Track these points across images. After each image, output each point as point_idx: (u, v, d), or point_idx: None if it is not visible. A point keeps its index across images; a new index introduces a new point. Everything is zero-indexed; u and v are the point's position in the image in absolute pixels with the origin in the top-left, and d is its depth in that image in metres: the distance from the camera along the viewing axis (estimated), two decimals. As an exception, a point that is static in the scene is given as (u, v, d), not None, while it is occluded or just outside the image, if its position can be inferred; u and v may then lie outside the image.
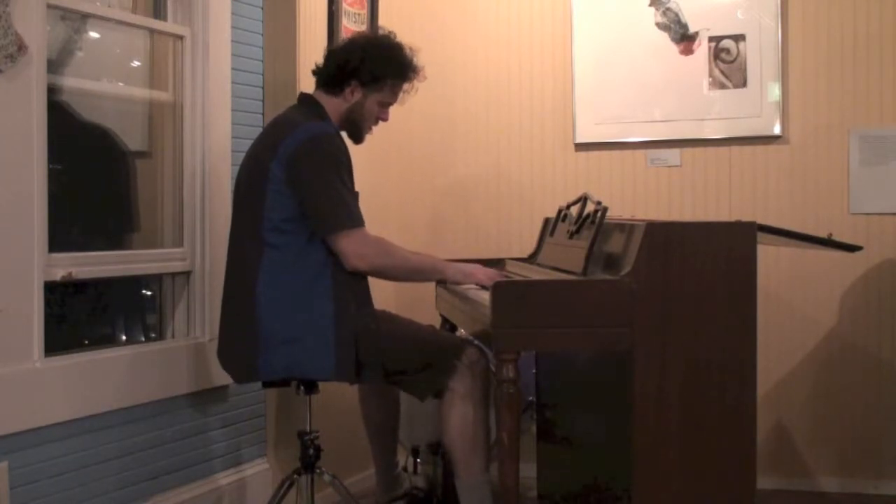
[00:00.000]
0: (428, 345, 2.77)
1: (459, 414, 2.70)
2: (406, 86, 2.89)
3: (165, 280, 3.14)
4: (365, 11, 3.79)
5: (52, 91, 2.75)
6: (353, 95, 2.83)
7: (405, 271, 2.84)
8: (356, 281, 2.74)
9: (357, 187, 2.82)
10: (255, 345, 2.65)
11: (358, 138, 2.91)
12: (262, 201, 2.66)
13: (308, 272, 2.67)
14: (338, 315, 2.66)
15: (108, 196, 3.13)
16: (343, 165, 2.71)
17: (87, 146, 3.03)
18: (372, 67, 2.80)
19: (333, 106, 2.85)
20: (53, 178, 2.68)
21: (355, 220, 2.67)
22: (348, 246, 2.65)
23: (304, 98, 2.91)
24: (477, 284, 2.84)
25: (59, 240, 2.65)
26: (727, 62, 3.87)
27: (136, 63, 3.18)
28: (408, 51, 2.87)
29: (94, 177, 3.06)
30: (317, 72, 2.89)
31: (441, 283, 3.27)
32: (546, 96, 4.07)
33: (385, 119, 2.92)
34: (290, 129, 2.71)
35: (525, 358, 3.02)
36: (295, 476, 2.82)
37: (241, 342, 2.69)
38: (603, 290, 2.42)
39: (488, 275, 2.83)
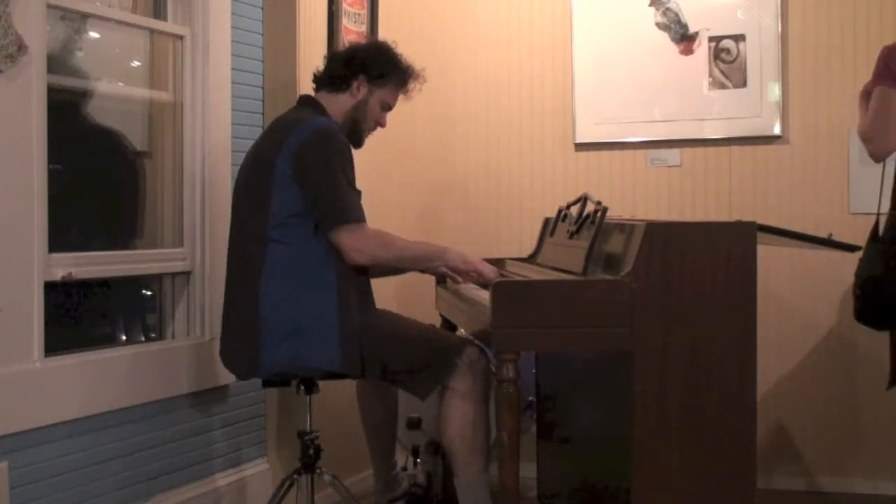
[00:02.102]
0: (428, 343, 2.77)
1: (459, 413, 2.70)
2: (408, 87, 2.94)
3: (165, 280, 3.14)
4: (365, 11, 3.79)
5: (63, 92, 2.76)
6: (360, 91, 2.87)
7: (405, 261, 2.88)
8: (359, 274, 2.76)
9: (357, 187, 2.83)
10: (258, 339, 2.65)
11: (357, 141, 2.92)
12: (268, 199, 2.67)
13: (312, 266, 2.68)
14: (342, 308, 2.67)
15: (116, 199, 3.14)
16: (347, 160, 2.73)
17: (98, 148, 3.04)
18: (378, 63, 2.88)
19: (337, 105, 2.87)
20: (61, 178, 2.70)
21: (356, 215, 2.69)
22: (348, 241, 2.66)
23: (305, 99, 2.94)
24: (476, 273, 2.84)
25: (59, 240, 2.65)
26: (727, 62, 3.87)
27: (136, 63, 3.18)
28: (406, 59, 2.94)
29: (100, 178, 3.06)
30: (319, 75, 2.92)
31: (441, 282, 3.28)
32: (546, 96, 4.07)
33: (383, 124, 2.96)
34: (295, 127, 2.72)
35: (525, 358, 3.02)
36: (295, 476, 2.82)
37: (243, 338, 2.70)
38: (603, 290, 2.42)
39: (489, 268, 2.84)
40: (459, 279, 3.06)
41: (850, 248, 2.94)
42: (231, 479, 3.22)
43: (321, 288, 2.67)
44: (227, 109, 3.22)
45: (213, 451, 3.17)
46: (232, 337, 2.76)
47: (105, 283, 3.00)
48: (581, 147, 4.03)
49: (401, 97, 2.98)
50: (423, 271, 3.12)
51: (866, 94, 2.96)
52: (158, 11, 3.13)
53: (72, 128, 2.88)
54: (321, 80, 2.92)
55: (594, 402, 3.00)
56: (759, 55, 3.82)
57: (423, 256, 2.89)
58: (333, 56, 2.99)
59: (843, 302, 3.73)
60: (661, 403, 2.44)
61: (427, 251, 2.91)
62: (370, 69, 2.86)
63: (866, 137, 2.90)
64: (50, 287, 2.61)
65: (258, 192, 2.70)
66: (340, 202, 2.66)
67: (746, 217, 3.10)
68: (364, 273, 2.80)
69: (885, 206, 2.95)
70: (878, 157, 2.89)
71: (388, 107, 2.95)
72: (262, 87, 3.40)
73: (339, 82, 2.88)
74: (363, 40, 3.67)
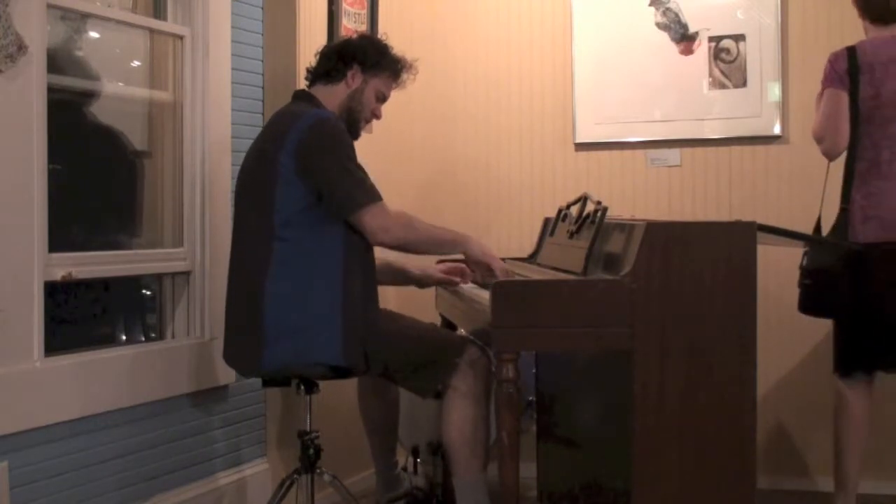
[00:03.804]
0: (430, 342, 2.78)
1: (460, 412, 2.70)
2: (401, 77, 2.96)
3: (165, 280, 3.14)
4: (365, 11, 3.79)
5: (60, 91, 2.76)
6: (354, 81, 2.88)
7: (428, 243, 2.84)
8: (364, 272, 2.76)
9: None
10: (261, 337, 2.65)
11: (355, 132, 2.92)
12: (273, 195, 2.67)
13: (317, 263, 2.67)
14: (346, 304, 2.67)
15: (116, 199, 3.14)
16: (349, 146, 2.73)
17: (98, 147, 3.04)
18: (371, 53, 2.89)
19: (333, 96, 2.87)
20: (61, 178, 2.70)
21: (374, 196, 2.69)
22: (372, 221, 2.66)
23: (300, 94, 2.94)
24: (489, 267, 2.83)
25: (59, 240, 2.65)
26: (727, 62, 3.87)
27: (136, 63, 3.18)
28: (397, 51, 2.96)
29: (101, 177, 3.06)
30: (313, 69, 2.93)
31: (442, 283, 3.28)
32: (546, 96, 4.07)
33: (378, 116, 2.96)
34: (294, 120, 2.72)
35: (525, 358, 3.02)
36: (295, 476, 2.82)
37: (246, 336, 2.69)
38: (603, 290, 2.42)
39: (503, 266, 2.84)
40: (457, 281, 3.06)
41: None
42: (231, 479, 3.22)
43: (326, 285, 2.67)
44: (227, 109, 3.22)
45: (213, 451, 3.17)
46: (235, 334, 2.75)
47: (105, 283, 3.00)
48: (581, 147, 4.03)
49: (395, 90, 2.99)
50: (420, 285, 3.13)
51: (819, 99, 3.11)
52: (158, 11, 3.13)
53: (72, 127, 2.88)
54: (315, 74, 2.92)
55: (594, 402, 3.00)
56: (759, 55, 3.82)
57: (445, 241, 2.87)
58: (326, 50, 2.99)
59: (843, 302, 3.73)
60: (661, 403, 2.44)
61: (449, 237, 2.88)
62: (364, 58, 2.87)
63: (819, 137, 3.08)
64: (50, 287, 2.61)
65: (262, 188, 2.70)
66: (355, 186, 2.67)
67: (746, 217, 3.10)
68: (369, 270, 2.80)
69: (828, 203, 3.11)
70: (832, 155, 3.08)
71: (383, 97, 2.96)
72: (262, 87, 3.39)
73: (333, 73, 2.88)
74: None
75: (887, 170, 2.97)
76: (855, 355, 3.08)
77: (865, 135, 2.98)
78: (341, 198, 2.66)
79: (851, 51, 3.01)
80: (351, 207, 2.66)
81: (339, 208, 2.67)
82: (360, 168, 2.73)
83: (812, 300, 3.08)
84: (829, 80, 3.03)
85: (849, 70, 2.98)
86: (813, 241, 2.99)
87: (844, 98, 2.99)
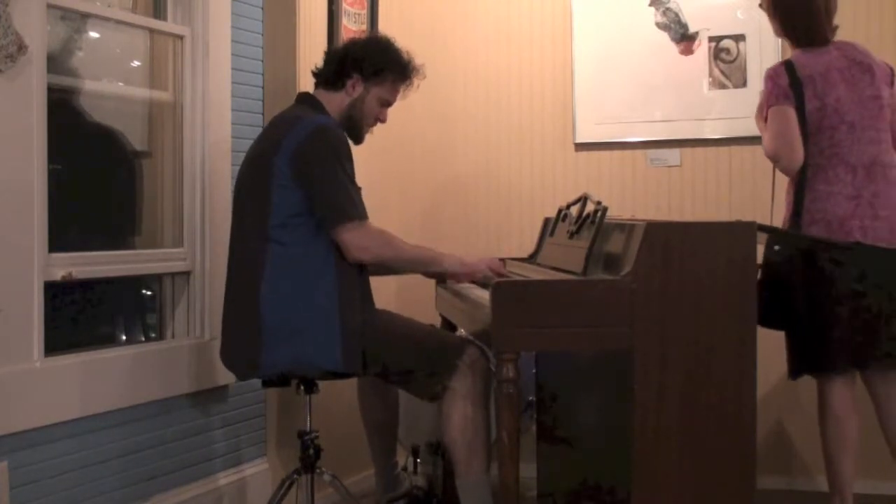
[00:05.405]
0: (429, 344, 2.77)
1: (460, 413, 2.70)
2: (406, 83, 2.93)
3: (165, 280, 3.14)
4: (365, 11, 3.79)
5: (60, 91, 2.76)
6: (355, 90, 2.86)
7: (406, 262, 2.88)
8: (360, 275, 2.76)
9: (357, 184, 2.83)
10: (259, 340, 2.65)
11: (357, 138, 2.92)
12: (269, 198, 2.67)
13: (313, 265, 2.68)
14: (343, 308, 2.67)
15: (116, 199, 3.14)
16: (346, 157, 2.73)
17: (96, 147, 3.04)
18: (373, 61, 2.86)
19: (334, 103, 2.87)
20: (61, 177, 2.70)
21: (358, 213, 2.69)
22: (351, 239, 2.67)
23: (303, 97, 2.94)
24: (477, 273, 2.84)
25: (59, 240, 2.65)
26: (727, 62, 3.87)
27: (136, 63, 3.18)
28: (406, 53, 2.93)
29: (100, 177, 3.07)
30: (317, 72, 2.92)
31: (441, 283, 3.28)
32: (546, 96, 4.07)
33: (383, 120, 2.96)
34: (294, 125, 2.72)
35: (525, 358, 3.02)
36: (295, 476, 2.83)
37: (244, 338, 2.70)
38: (603, 290, 2.42)
39: (489, 264, 2.84)
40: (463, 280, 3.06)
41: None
42: (231, 479, 3.22)
43: (322, 288, 2.67)
44: (227, 109, 3.22)
45: (213, 451, 3.17)
46: (232, 337, 2.76)
47: (105, 283, 3.00)
48: (581, 147, 4.03)
49: (401, 95, 2.97)
50: (423, 274, 3.12)
51: (763, 118, 3.08)
52: (158, 11, 3.13)
53: (71, 127, 2.88)
54: (319, 78, 2.92)
55: (594, 402, 3.00)
56: (759, 55, 3.82)
57: (421, 260, 2.89)
58: (331, 52, 3.00)
59: (843, 302, 3.72)
60: (661, 403, 2.44)
61: (427, 256, 2.90)
62: (365, 67, 2.85)
63: (774, 157, 3.04)
64: (50, 287, 2.61)
65: (259, 191, 2.70)
66: (342, 201, 2.67)
67: (746, 217, 3.11)
68: (364, 273, 2.81)
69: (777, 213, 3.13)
70: (790, 172, 3.05)
71: (387, 103, 2.94)
72: (262, 87, 3.39)
73: (334, 80, 2.87)
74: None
75: (832, 174, 2.98)
76: (812, 358, 3.05)
77: (813, 143, 2.99)
78: (325, 210, 2.67)
79: (789, 65, 3.00)
80: (333, 222, 2.67)
81: (322, 220, 2.68)
82: (352, 182, 2.73)
83: (770, 312, 3.04)
84: (774, 96, 2.99)
85: (791, 83, 2.97)
86: (812, 241, 2.99)
87: (792, 114, 2.96)
